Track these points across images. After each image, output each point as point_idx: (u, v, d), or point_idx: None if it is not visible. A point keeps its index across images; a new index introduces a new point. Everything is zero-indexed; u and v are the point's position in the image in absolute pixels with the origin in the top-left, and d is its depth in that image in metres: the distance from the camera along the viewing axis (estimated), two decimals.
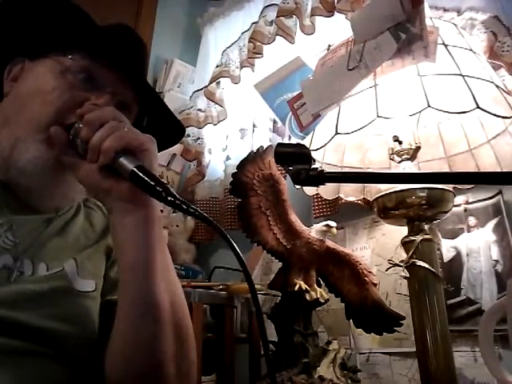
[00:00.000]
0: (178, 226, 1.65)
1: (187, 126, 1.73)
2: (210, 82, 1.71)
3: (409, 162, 1.04)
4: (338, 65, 0.95)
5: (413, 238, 1.00)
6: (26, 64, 0.73)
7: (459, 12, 1.22)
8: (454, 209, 1.08)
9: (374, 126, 0.94)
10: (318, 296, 1.04)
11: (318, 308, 1.12)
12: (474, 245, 1.15)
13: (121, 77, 0.72)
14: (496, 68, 1.10)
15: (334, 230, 1.08)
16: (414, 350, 1.01)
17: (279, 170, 1.08)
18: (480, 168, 1.09)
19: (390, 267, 1.05)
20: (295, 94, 1.06)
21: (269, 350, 0.53)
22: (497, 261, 1.11)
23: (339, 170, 1.18)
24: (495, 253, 1.11)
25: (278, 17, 1.52)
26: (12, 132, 0.67)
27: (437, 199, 1.00)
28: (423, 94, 0.89)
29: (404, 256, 1.00)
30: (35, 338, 0.60)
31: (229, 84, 1.71)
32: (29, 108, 0.68)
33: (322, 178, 0.51)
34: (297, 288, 1.02)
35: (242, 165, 1.07)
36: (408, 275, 0.99)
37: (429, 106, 0.87)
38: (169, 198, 0.55)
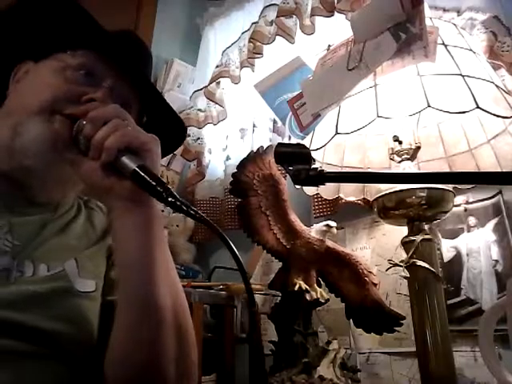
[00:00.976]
0: (177, 225, 1.65)
1: (187, 126, 1.73)
2: (210, 82, 1.71)
3: (409, 161, 1.04)
4: (338, 65, 0.95)
5: (413, 238, 1.00)
6: (31, 66, 0.75)
7: (459, 12, 1.22)
8: (454, 209, 1.08)
9: (374, 125, 0.94)
10: (318, 296, 1.04)
11: (318, 308, 1.11)
12: (474, 245, 1.15)
13: (121, 74, 0.72)
14: (496, 68, 1.10)
15: (334, 230, 1.08)
16: (414, 349, 1.01)
17: (279, 170, 1.08)
18: (480, 168, 1.09)
19: (390, 267, 1.05)
20: (295, 93, 1.06)
21: (263, 350, 0.54)
22: (497, 261, 1.11)
23: (339, 169, 1.18)
24: (495, 253, 1.11)
25: (277, 17, 1.52)
26: (9, 123, 0.67)
27: (437, 199, 1.00)
28: (423, 94, 0.89)
29: (404, 256, 1.00)
30: (35, 338, 0.60)
31: (229, 84, 1.71)
32: (27, 100, 0.68)
33: (322, 178, 0.51)
34: (297, 288, 1.02)
35: (242, 165, 1.07)
36: (408, 275, 0.99)
37: (429, 106, 0.87)
38: (169, 199, 0.55)
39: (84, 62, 0.71)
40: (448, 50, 0.96)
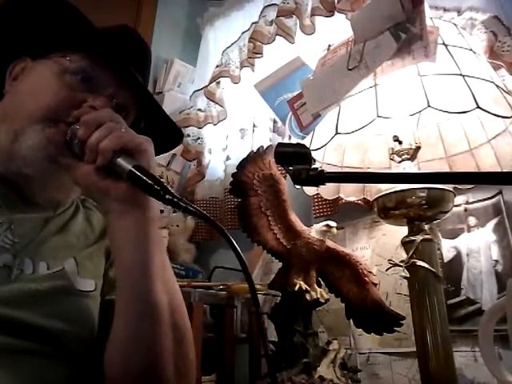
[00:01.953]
0: (178, 225, 1.65)
1: (187, 126, 1.73)
2: (210, 82, 1.70)
3: (409, 161, 1.04)
4: (338, 65, 0.95)
5: (413, 238, 1.00)
6: (27, 64, 0.74)
7: (459, 12, 1.22)
8: (454, 209, 1.08)
9: (374, 125, 0.94)
10: (318, 296, 1.04)
11: (318, 308, 1.11)
12: (474, 245, 1.15)
13: (119, 79, 0.72)
14: (496, 68, 1.10)
15: (334, 230, 1.07)
16: (414, 349, 1.00)
17: (279, 170, 1.08)
18: (480, 168, 1.09)
19: (390, 267, 1.05)
20: (295, 93, 1.06)
21: (268, 350, 0.54)
22: (497, 261, 1.11)
23: (339, 169, 1.18)
24: (495, 253, 1.11)
25: (277, 17, 1.52)
26: (10, 127, 0.67)
27: (437, 199, 1.00)
28: (423, 94, 0.89)
29: (404, 256, 1.00)
30: (35, 336, 0.60)
31: (229, 84, 1.71)
32: (25, 105, 0.68)
33: (322, 178, 0.51)
34: (297, 288, 1.02)
35: (242, 165, 1.07)
36: (408, 275, 0.99)
37: (429, 106, 0.87)
38: (167, 197, 0.55)
39: (82, 66, 0.71)
40: (448, 50, 0.96)
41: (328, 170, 0.52)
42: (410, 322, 1.00)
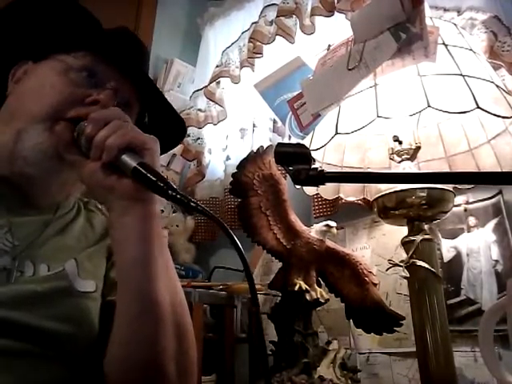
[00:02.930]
0: (178, 225, 1.65)
1: (187, 126, 1.72)
2: (210, 82, 1.70)
3: (409, 161, 1.03)
4: (338, 65, 0.95)
5: (413, 238, 1.00)
6: (29, 67, 0.75)
7: (459, 12, 1.22)
8: (454, 209, 1.08)
9: (374, 125, 0.94)
10: (318, 296, 1.04)
11: (318, 308, 1.11)
12: (474, 245, 1.15)
13: (122, 74, 0.73)
14: (496, 68, 1.10)
15: (334, 230, 1.07)
16: (414, 350, 1.00)
17: (279, 170, 1.08)
18: (480, 168, 1.09)
19: (390, 267, 1.05)
20: (295, 93, 1.06)
21: (266, 350, 0.53)
22: (497, 261, 1.11)
23: (339, 169, 1.18)
24: (495, 253, 1.11)
25: (277, 17, 1.52)
26: (14, 126, 0.68)
27: (437, 199, 1.00)
28: (423, 94, 0.89)
29: (404, 256, 1.00)
30: (35, 338, 0.60)
31: (229, 84, 1.71)
32: (29, 103, 0.69)
33: (322, 178, 0.51)
34: (297, 288, 1.02)
35: (242, 165, 1.07)
36: (408, 275, 0.99)
37: (429, 106, 0.87)
38: (170, 193, 0.55)
39: (86, 63, 0.71)
40: (448, 50, 0.96)
41: (328, 170, 0.52)
42: (409, 322, 1.00)
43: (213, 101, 1.72)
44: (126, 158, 0.58)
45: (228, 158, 1.75)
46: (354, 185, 1.23)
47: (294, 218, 1.08)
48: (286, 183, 1.08)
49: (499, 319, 0.74)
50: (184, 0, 2.16)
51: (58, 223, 0.72)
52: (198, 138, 1.78)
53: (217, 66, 1.72)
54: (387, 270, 1.09)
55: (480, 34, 1.16)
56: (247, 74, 1.65)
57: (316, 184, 0.52)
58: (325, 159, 1.17)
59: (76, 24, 0.72)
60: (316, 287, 1.06)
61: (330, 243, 1.08)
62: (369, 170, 1.18)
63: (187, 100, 1.82)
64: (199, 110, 1.76)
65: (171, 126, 0.83)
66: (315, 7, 1.45)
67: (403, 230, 1.04)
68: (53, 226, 0.71)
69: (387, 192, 1.01)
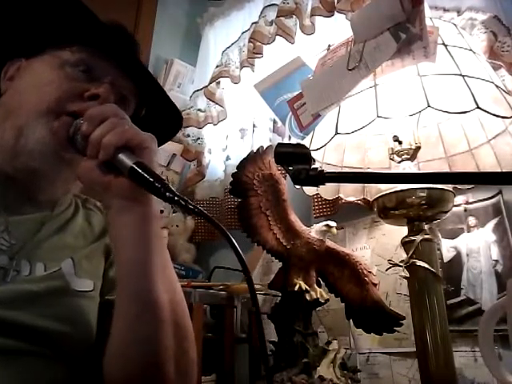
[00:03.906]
0: (177, 225, 1.65)
1: (187, 126, 1.73)
2: (210, 82, 1.71)
3: (409, 161, 1.03)
4: (338, 65, 0.95)
5: (413, 238, 1.00)
6: (22, 63, 0.74)
7: (459, 12, 1.22)
8: (454, 209, 1.08)
9: (374, 126, 0.94)
10: (318, 296, 1.04)
11: (318, 308, 1.11)
12: (473, 245, 1.15)
13: (119, 68, 0.72)
14: (496, 68, 1.10)
15: (334, 230, 1.07)
16: (414, 350, 1.00)
17: (279, 170, 1.08)
18: (480, 168, 1.09)
19: (390, 267, 1.05)
20: (295, 93, 1.06)
21: (267, 351, 0.53)
22: (497, 261, 1.11)
23: (339, 169, 1.18)
24: (495, 253, 1.11)
25: (278, 17, 1.52)
26: (14, 123, 0.67)
27: (437, 199, 1.00)
28: (423, 94, 0.89)
29: (404, 256, 1.00)
30: (32, 337, 0.60)
31: (229, 84, 1.71)
32: (28, 100, 0.68)
33: (322, 178, 0.51)
34: (297, 288, 1.02)
35: (242, 165, 1.06)
36: (408, 275, 0.99)
37: (429, 106, 0.87)
38: (167, 194, 0.54)
39: (82, 57, 0.71)
40: (448, 50, 0.96)
41: (328, 170, 0.52)
42: (409, 322, 1.00)
43: (213, 101, 1.72)
44: (122, 156, 0.57)
45: (228, 158, 1.75)
46: (353, 185, 1.23)
47: (294, 218, 1.08)
48: (286, 183, 1.08)
49: (499, 319, 0.74)
50: (184, 0, 2.16)
51: (56, 221, 0.72)
52: (198, 138, 1.78)
53: (217, 66, 1.72)
54: (387, 270, 1.09)
55: (480, 35, 1.16)
56: (247, 74, 1.65)
57: (316, 184, 0.52)
58: (325, 159, 1.17)
59: (70, 18, 0.71)
60: (316, 287, 1.06)
61: (329, 243, 1.08)
62: (369, 170, 1.18)
63: (187, 100, 1.82)
64: (199, 110, 1.76)
65: (168, 117, 0.83)
66: (315, 7, 1.45)
67: (403, 230, 1.04)
68: (51, 224, 0.70)
69: (387, 192, 1.01)
